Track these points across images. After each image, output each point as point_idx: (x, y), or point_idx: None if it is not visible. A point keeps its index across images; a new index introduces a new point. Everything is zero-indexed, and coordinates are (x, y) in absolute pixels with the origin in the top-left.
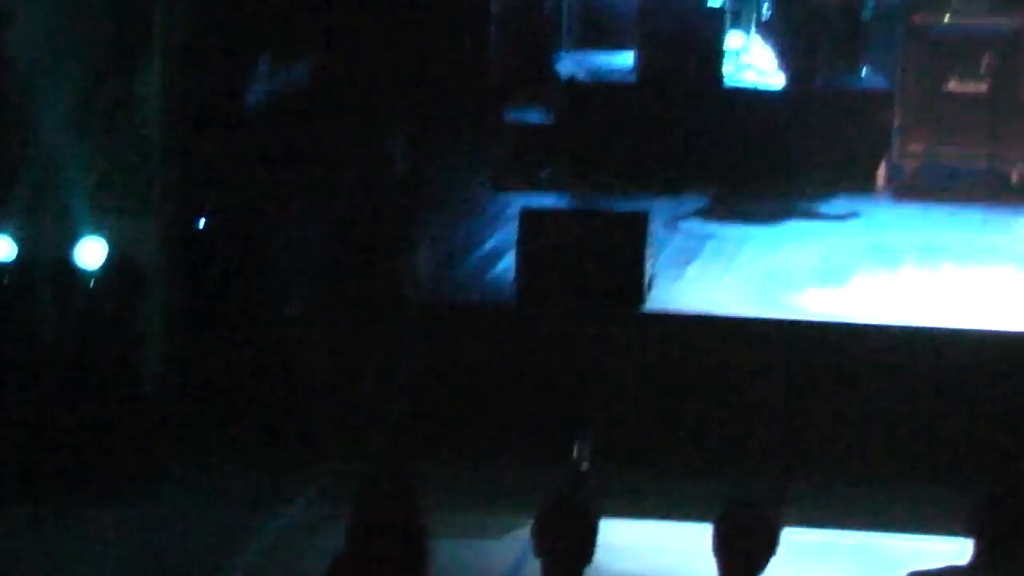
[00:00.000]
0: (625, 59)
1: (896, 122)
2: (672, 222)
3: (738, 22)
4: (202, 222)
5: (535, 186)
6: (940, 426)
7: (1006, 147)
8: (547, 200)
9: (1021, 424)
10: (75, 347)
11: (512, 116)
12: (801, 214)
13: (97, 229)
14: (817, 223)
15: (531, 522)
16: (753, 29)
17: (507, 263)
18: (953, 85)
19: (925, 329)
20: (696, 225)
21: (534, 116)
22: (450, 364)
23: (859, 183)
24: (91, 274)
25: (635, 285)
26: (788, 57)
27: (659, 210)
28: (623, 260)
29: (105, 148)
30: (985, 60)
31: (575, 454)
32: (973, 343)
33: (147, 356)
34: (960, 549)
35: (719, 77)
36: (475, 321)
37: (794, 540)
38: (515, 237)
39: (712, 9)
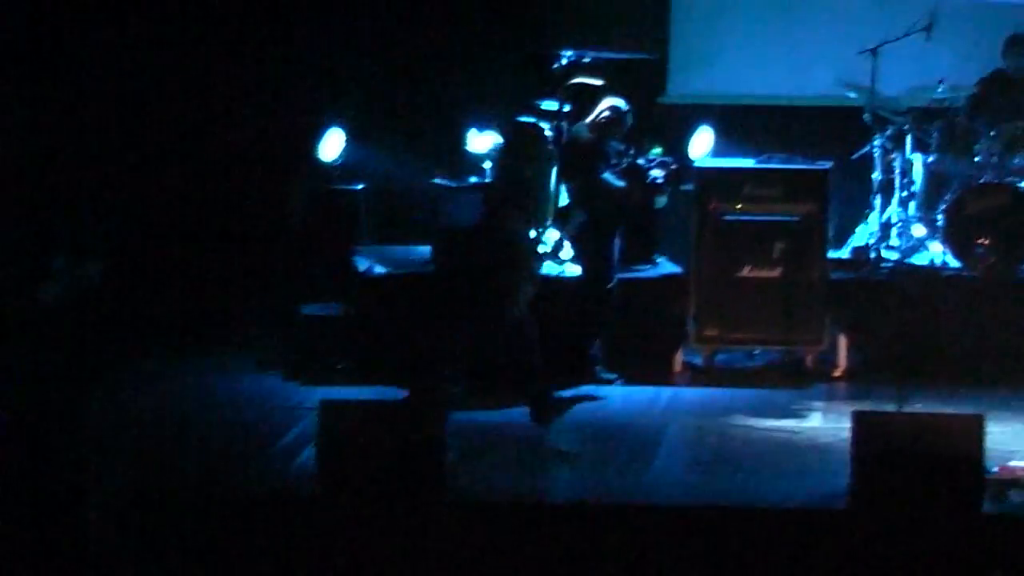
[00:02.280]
0: (423, 251)
1: (691, 308)
2: None
3: None
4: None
5: (331, 378)
6: None
7: (799, 331)
8: (345, 392)
9: None
10: None
11: (308, 309)
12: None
13: None
14: (610, 414)
15: None
16: (549, 220)
17: (308, 454)
18: (747, 271)
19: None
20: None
21: (330, 309)
22: (253, 556)
23: (656, 369)
24: None
25: (437, 475)
26: (582, 247)
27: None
28: (425, 450)
29: None
30: (777, 246)
31: None
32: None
33: None
34: None
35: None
36: (277, 513)
37: None
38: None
39: (501, 196)
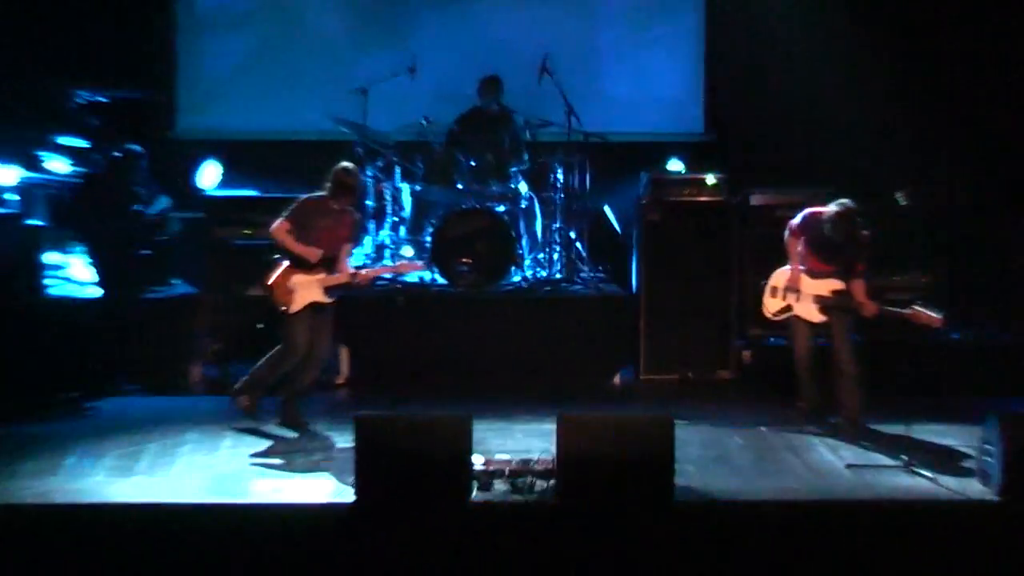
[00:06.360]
0: None
1: (204, 325)
2: None
3: (59, 241)
4: None
5: None
6: None
7: None
8: None
9: None
10: None
11: None
12: None
13: None
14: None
15: None
16: (76, 248)
17: None
18: (252, 290)
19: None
20: None
21: None
22: None
23: (175, 380)
24: None
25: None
26: (96, 272)
27: None
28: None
29: None
30: None
31: None
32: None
33: None
34: None
35: (40, 288)
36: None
37: None
38: None
39: (30, 227)
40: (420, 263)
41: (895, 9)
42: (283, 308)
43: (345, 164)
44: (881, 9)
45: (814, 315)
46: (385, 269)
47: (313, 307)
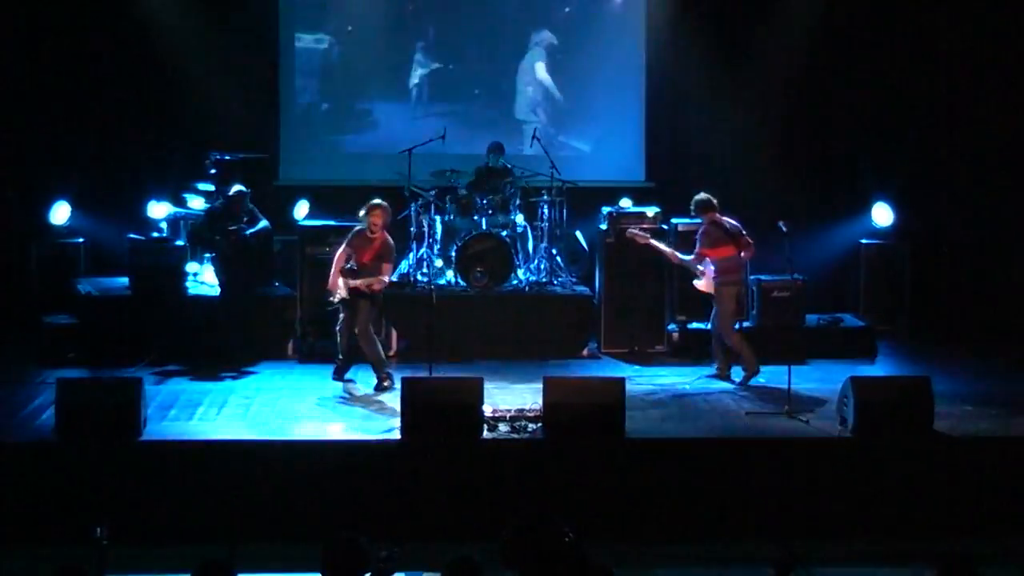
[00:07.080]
0: (123, 280)
1: (298, 315)
2: None
3: (194, 255)
4: None
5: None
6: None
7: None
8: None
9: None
10: None
11: (49, 319)
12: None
13: None
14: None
15: None
16: (206, 259)
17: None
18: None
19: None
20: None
21: (63, 319)
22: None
23: (277, 352)
24: None
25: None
26: (219, 276)
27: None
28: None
29: None
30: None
31: None
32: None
33: None
34: None
35: (183, 290)
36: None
37: None
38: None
39: (176, 246)
40: (386, 279)
41: (783, 87)
42: (331, 299)
43: (371, 202)
44: (771, 95)
45: (703, 287)
46: (361, 282)
47: (344, 301)
